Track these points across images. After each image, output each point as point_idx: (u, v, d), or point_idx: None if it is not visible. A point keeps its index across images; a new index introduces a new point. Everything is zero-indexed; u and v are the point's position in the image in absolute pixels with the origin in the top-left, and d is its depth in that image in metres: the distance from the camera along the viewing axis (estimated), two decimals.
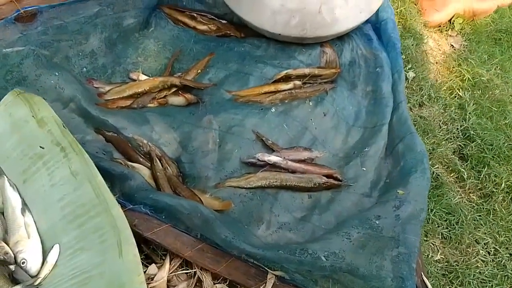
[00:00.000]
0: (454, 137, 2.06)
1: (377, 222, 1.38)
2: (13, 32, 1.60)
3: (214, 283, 1.29)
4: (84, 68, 1.75)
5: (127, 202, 1.32)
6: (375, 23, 2.10)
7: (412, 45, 2.24)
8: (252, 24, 1.88)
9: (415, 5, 2.44)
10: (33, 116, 1.26)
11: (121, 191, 1.39)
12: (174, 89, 1.80)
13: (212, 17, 2.07)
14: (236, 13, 1.88)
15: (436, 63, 2.37)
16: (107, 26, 1.78)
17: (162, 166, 1.56)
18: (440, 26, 2.50)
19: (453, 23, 2.49)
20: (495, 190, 1.96)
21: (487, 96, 2.28)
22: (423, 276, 1.41)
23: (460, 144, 2.05)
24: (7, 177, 1.23)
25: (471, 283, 1.70)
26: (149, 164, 1.55)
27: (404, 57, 2.08)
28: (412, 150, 1.61)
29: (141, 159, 1.57)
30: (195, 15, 2.05)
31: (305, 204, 1.56)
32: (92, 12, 1.74)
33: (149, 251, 1.32)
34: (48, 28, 1.66)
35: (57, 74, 1.58)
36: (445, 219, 1.85)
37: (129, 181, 1.40)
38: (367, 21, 2.01)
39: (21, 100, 1.26)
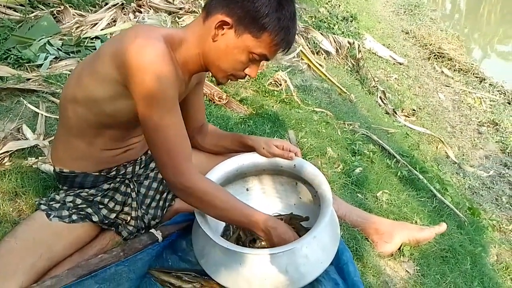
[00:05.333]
0: None
1: None
2: None
3: None
4: None
5: None
6: (338, 263, 2.43)
7: (373, 279, 2.54)
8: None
9: (367, 240, 2.85)
10: None
11: None
12: None
13: (196, 274, 2.32)
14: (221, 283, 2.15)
15: None
16: None
17: None
18: (392, 255, 2.88)
19: (402, 250, 2.89)
20: None
21: None
22: None
23: None
24: None
25: None
26: None
27: None
28: None
29: None
30: (180, 274, 2.30)
31: None
32: None
33: None
34: None
35: None
36: None
37: None
38: (331, 264, 2.33)
39: None
